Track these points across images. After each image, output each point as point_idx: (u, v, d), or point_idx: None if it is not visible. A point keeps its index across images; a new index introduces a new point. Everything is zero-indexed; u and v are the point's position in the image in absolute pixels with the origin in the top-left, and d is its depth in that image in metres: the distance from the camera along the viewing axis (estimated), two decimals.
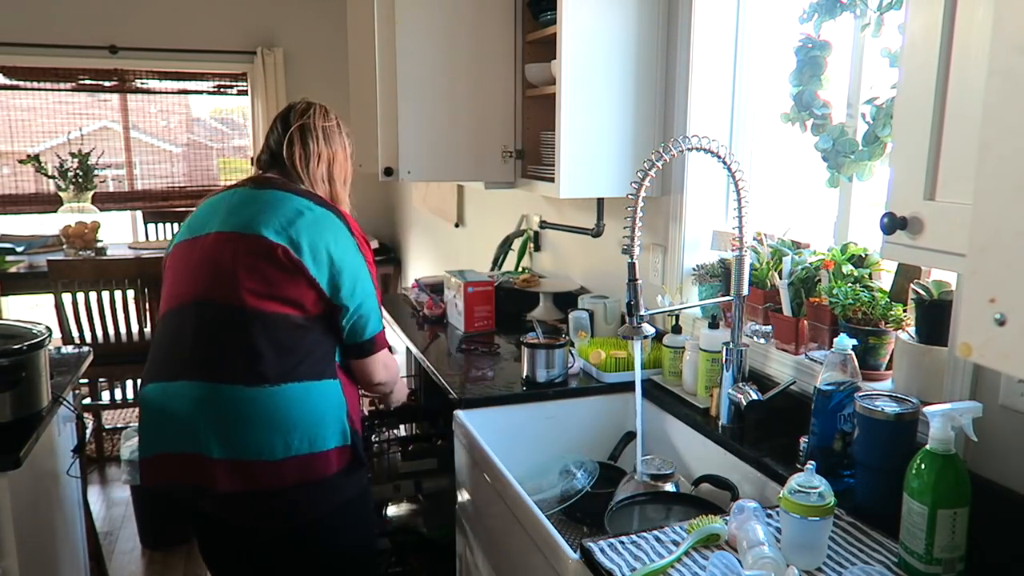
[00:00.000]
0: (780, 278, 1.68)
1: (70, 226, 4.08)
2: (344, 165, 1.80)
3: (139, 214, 5.25)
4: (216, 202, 1.68)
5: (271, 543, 1.67)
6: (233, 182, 1.77)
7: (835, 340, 1.37)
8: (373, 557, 1.83)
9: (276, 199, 1.62)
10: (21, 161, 4.67)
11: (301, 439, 1.54)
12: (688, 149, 1.50)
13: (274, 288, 1.55)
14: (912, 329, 1.40)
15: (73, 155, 4.52)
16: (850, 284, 1.54)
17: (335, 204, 1.72)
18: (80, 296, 3.30)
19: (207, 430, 1.53)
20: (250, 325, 1.53)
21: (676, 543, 1.16)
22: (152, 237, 5.02)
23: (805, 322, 1.63)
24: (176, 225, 5.03)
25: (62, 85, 4.93)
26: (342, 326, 1.63)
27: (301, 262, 1.54)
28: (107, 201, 5.10)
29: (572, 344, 2.08)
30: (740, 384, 1.62)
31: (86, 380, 3.56)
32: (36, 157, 4.54)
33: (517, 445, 1.84)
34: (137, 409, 4.18)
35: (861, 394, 1.29)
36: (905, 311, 1.45)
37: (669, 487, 1.54)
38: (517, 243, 3.05)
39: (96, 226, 4.12)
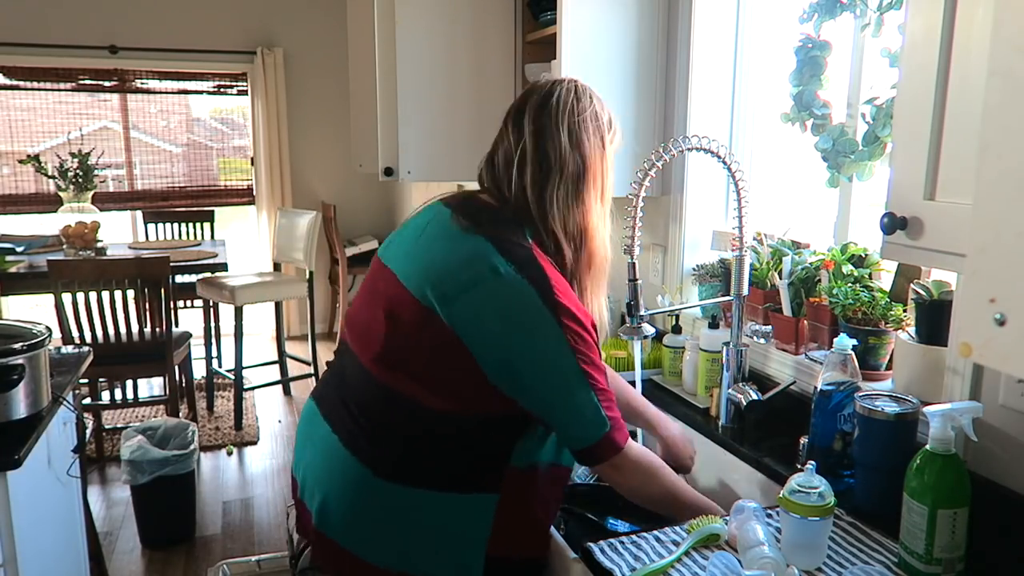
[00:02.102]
0: (780, 278, 1.68)
1: (70, 226, 4.08)
2: (599, 176, 1.25)
3: (139, 214, 5.25)
4: (418, 215, 1.31)
5: None
6: (446, 195, 1.33)
7: (835, 340, 1.37)
8: None
9: (457, 242, 1.19)
10: (21, 161, 4.67)
11: (403, 553, 1.21)
12: (688, 149, 1.50)
13: (413, 364, 1.18)
14: (912, 329, 1.40)
15: (73, 155, 4.52)
16: (850, 284, 1.54)
17: (583, 242, 1.23)
18: (80, 296, 3.30)
19: (318, 489, 1.26)
20: (378, 400, 1.21)
21: (676, 543, 1.16)
22: (152, 237, 5.02)
23: (805, 322, 1.63)
24: (176, 225, 5.03)
25: (62, 85, 4.93)
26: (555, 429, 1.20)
27: (457, 338, 1.13)
28: (107, 201, 5.10)
29: None
30: (740, 384, 1.62)
31: (86, 380, 3.56)
32: (36, 157, 4.54)
33: None
34: (138, 409, 4.19)
35: (861, 394, 1.29)
36: (905, 311, 1.45)
37: None
38: None
39: (96, 226, 4.12)
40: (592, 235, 1.25)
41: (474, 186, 1.34)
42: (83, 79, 4.96)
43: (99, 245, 4.10)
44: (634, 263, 1.50)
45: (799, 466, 1.38)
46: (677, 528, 1.21)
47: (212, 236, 5.00)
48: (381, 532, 1.20)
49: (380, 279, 1.27)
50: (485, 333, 1.13)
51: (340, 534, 1.23)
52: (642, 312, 1.53)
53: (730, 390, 1.62)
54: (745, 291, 1.64)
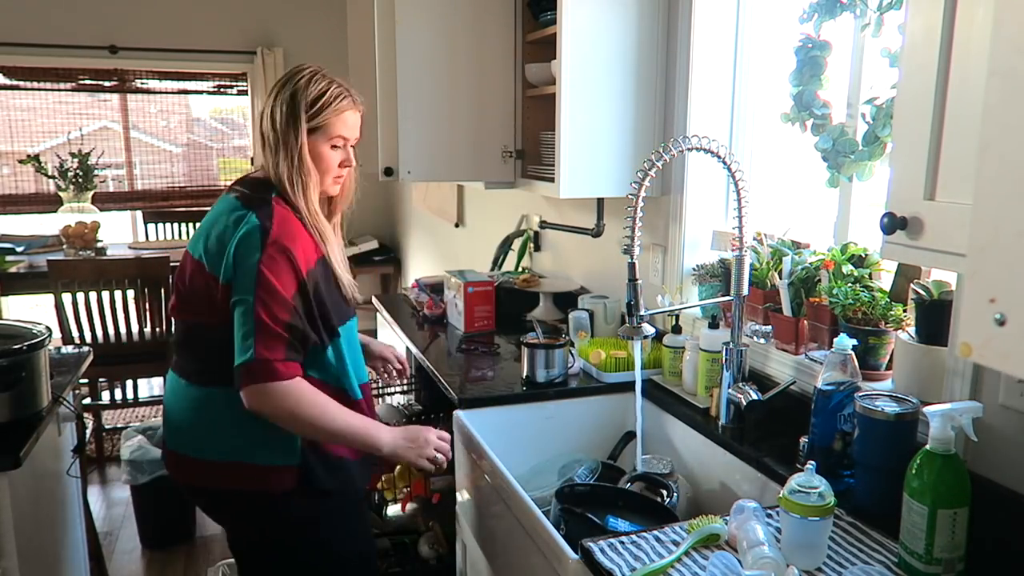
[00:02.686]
0: (780, 278, 1.68)
1: (70, 226, 4.09)
2: (296, 153, 1.51)
3: (139, 214, 5.25)
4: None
5: (235, 542, 1.70)
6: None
7: (835, 340, 1.37)
8: None
9: (218, 205, 1.56)
10: (21, 161, 4.67)
11: (233, 447, 1.52)
12: (688, 149, 1.50)
13: (195, 302, 1.54)
14: (912, 329, 1.40)
15: (73, 155, 4.52)
16: (850, 284, 1.54)
17: (296, 213, 1.51)
18: (80, 296, 3.30)
19: (166, 418, 1.63)
20: (183, 332, 1.62)
21: (676, 543, 1.16)
22: (152, 237, 5.02)
23: (805, 322, 1.63)
24: (176, 225, 5.04)
25: (62, 85, 4.93)
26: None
27: (206, 268, 1.49)
28: (107, 201, 5.10)
29: (572, 344, 2.08)
30: (740, 384, 1.62)
31: (86, 380, 3.56)
32: (36, 157, 4.55)
33: (517, 445, 1.84)
34: (138, 409, 4.19)
35: (861, 394, 1.29)
36: (905, 311, 1.45)
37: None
38: (517, 243, 3.05)
39: (96, 226, 4.12)
40: (297, 201, 1.53)
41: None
42: (83, 79, 4.96)
43: (99, 245, 4.10)
44: (634, 263, 1.50)
45: (799, 466, 1.38)
46: (677, 528, 1.21)
47: None
48: (212, 432, 1.53)
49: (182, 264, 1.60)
50: (212, 253, 1.48)
51: (182, 444, 1.57)
52: (642, 312, 1.53)
53: (730, 390, 1.62)
54: (745, 291, 1.64)
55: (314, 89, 1.52)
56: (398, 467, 2.24)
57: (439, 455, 1.62)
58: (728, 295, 1.68)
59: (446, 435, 1.67)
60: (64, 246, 4.07)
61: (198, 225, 1.65)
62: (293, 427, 1.47)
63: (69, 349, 2.25)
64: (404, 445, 1.58)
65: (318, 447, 1.54)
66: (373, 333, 2.62)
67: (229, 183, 1.72)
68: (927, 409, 1.10)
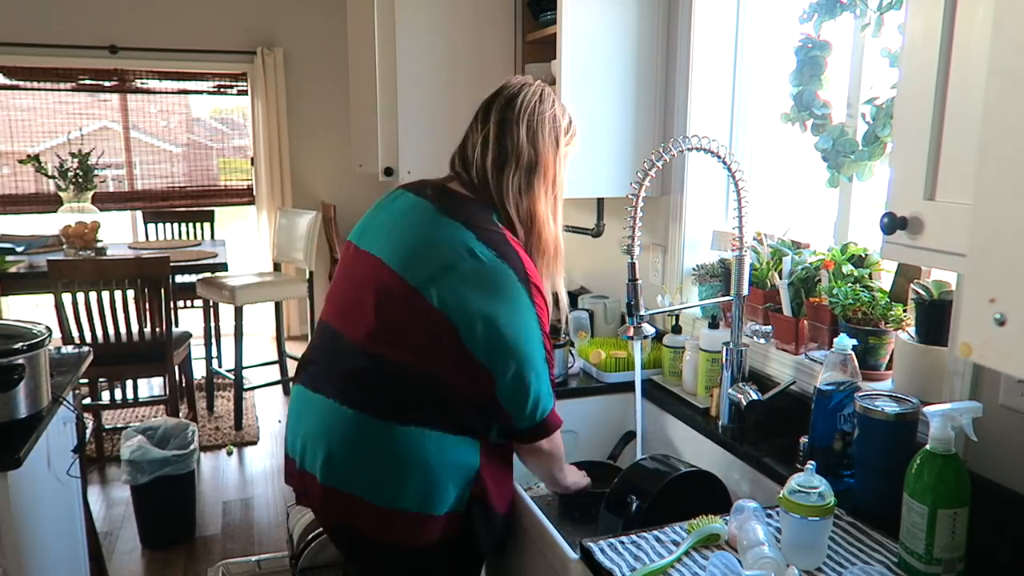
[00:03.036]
0: (780, 278, 1.68)
1: (70, 226, 4.08)
2: (552, 171, 1.37)
3: (139, 214, 5.25)
4: (393, 203, 1.42)
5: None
6: (419, 182, 1.46)
7: (835, 340, 1.37)
8: None
9: (439, 229, 1.31)
10: (21, 161, 4.67)
11: (413, 495, 1.31)
12: (688, 149, 1.50)
13: (402, 337, 1.30)
14: (912, 329, 1.40)
15: (73, 155, 4.52)
16: (850, 284, 1.54)
17: (531, 225, 1.36)
18: (80, 296, 3.30)
19: (320, 449, 1.36)
20: (379, 370, 1.32)
21: (676, 543, 1.16)
22: (152, 237, 5.02)
23: (805, 322, 1.63)
24: (176, 225, 5.03)
25: (62, 85, 4.93)
26: (503, 404, 1.32)
27: (447, 322, 1.26)
28: (107, 201, 5.10)
29: (572, 344, 2.08)
30: (740, 384, 1.62)
31: (86, 380, 3.56)
32: (36, 157, 4.55)
33: None
34: (138, 409, 4.19)
35: (861, 394, 1.29)
36: (905, 311, 1.45)
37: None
38: None
39: (96, 226, 4.12)
40: (540, 222, 1.38)
41: None
42: (83, 79, 4.97)
43: (99, 245, 4.10)
44: (634, 263, 1.50)
45: (799, 466, 1.38)
46: (677, 528, 1.21)
47: (212, 236, 4.99)
48: (380, 472, 1.30)
49: (360, 264, 1.39)
50: (466, 307, 1.25)
51: (344, 481, 1.33)
52: (642, 312, 1.53)
53: (730, 390, 1.62)
54: (745, 291, 1.64)
55: (565, 111, 1.43)
56: None
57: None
58: (728, 295, 1.68)
59: None
60: (64, 246, 4.07)
61: (382, 227, 1.39)
62: (552, 462, 1.45)
63: (69, 349, 2.25)
64: (576, 473, 1.55)
65: (487, 493, 1.36)
66: None
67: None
68: (927, 409, 1.10)
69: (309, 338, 4.45)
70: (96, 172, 4.56)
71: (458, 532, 1.35)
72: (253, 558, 2.67)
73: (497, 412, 1.33)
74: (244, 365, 4.03)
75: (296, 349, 5.04)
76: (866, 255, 1.60)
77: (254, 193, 5.54)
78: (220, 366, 4.51)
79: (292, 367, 4.55)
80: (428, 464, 1.30)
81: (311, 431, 1.38)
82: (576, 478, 1.54)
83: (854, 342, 1.36)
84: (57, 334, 2.83)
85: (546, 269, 1.40)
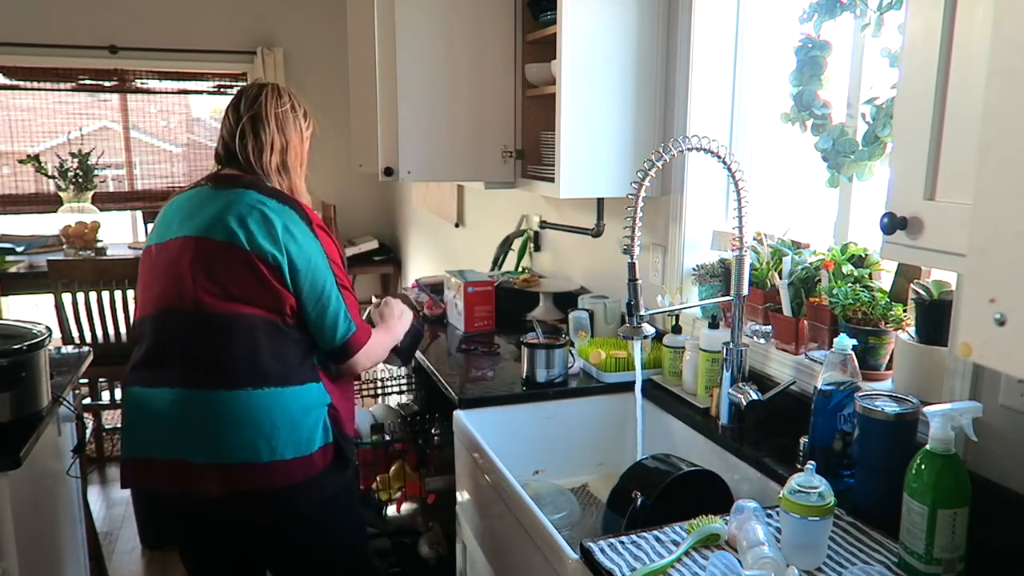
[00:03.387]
0: (780, 278, 1.68)
1: (70, 226, 4.08)
2: (299, 151, 1.76)
3: (139, 214, 5.25)
4: (180, 203, 1.67)
5: (259, 541, 1.71)
6: (193, 181, 1.76)
7: (835, 340, 1.37)
8: (362, 550, 1.84)
9: (232, 197, 1.59)
10: (21, 161, 4.67)
11: (285, 444, 1.54)
12: (688, 149, 1.50)
13: (234, 289, 1.54)
14: (912, 329, 1.40)
15: (73, 155, 4.52)
16: (850, 284, 1.54)
17: (293, 195, 1.67)
18: (80, 296, 3.30)
19: (190, 435, 1.55)
20: (216, 329, 1.53)
21: (676, 543, 1.16)
22: None
23: (805, 322, 1.63)
24: None
25: (62, 85, 4.93)
26: (311, 327, 1.61)
27: (256, 259, 1.53)
28: (107, 201, 5.10)
29: (572, 344, 2.08)
30: (740, 384, 1.62)
31: (86, 380, 3.56)
32: (36, 157, 4.54)
33: (517, 445, 1.84)
34: None
35: (861, 394, 1.29)
36: (905, 311, 1.45)
37: None
38: (517, 243, 3.05)
39: (96, 226, 4.12)
40: (299, 191, 1.72)
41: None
42: (83, 79, 4.96)
43: (99, 245, 4.11)
44: (634, 263, 1.50)
45: (799, 466, 1.38)
46: (677, 528, 1.21)
47: None
48: (263, 433, 1.53)
49: (165, 253, 1.61)
50: (267, 245, 1.53)
51: (218, 453, 1.53)
52: (642, 312, 1.53)
53: (730, 390, 1.62)
54: (745, 291, 1.64)
55: (300, 104, 1.80)
56: (393, 468, 2.24)
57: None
58: (728, 295, 1.68)
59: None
60: (64, 246, 4.07)
61: (179, 213, 1.66)
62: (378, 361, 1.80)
63: (69, 349, 2.25)
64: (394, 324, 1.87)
65: (341, 421, 1.64)
66: None
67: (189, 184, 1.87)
68: (927, 409, 1.10)
69: None
70: (96, 172, 4.56)
71: (332, 456, 1.61)
72: None
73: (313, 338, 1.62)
74: None
75: None
76: (866, 255, 1.60)
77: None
78: None
79: None
80: (292, 416, 1.55)
81: (162, 427, 1.57)
82: (396, 328, 1.86)
83: (854, 342, 1.36)
84: (57, 334, 2.83)
85: None
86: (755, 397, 1.59)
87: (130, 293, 3.37)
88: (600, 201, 2.34)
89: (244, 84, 1.67)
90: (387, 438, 2.28)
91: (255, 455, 1.53)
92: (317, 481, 1.60)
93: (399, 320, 1.88)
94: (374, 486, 2.26)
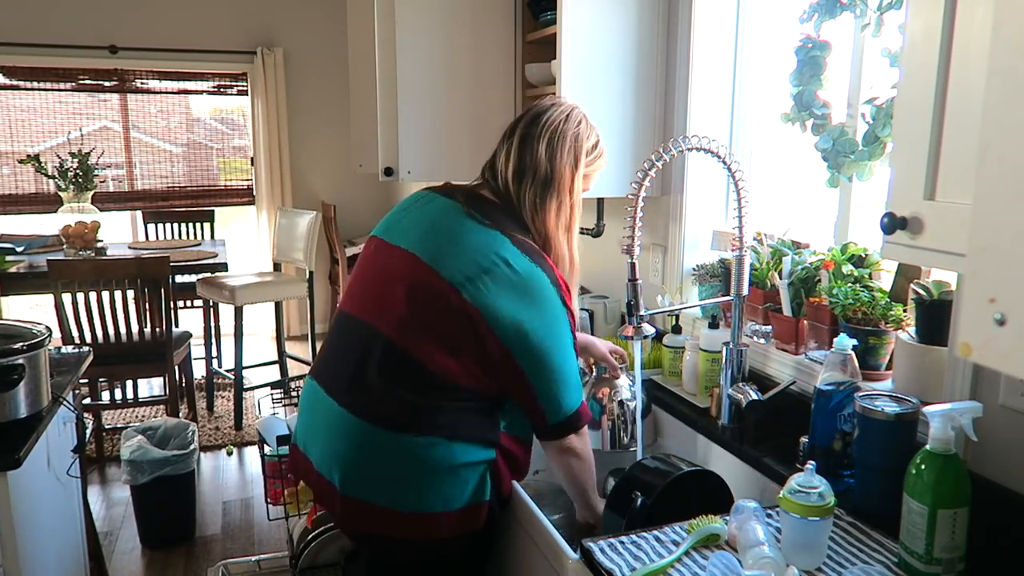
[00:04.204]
0: (780, 278, 1.68)
1: (70, 226, 4.08)
2: (566, 190, 1.42)
3: (139, 214, 5.25)
4: (425, 205, 1.46)
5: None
6: (447, 185, 1.52)
7: (835, 340, 1.36)
8: None
9: (474, 233, 1.35)
10: (21, 161, 4.67)
11: (435, 498, 1.36)
12: (688, 149, 1.50)
13: (439, 337, 1.34)
14: (912, 329, 1.40)
15: (73, 155, 4.52)
16: (850, 284, 1.54)
17: (543, 250, 1.39)
18: (80, 296, 3.30)
19: (336, 459, 1.40)
20: (403, 368, 1.35)
21: (676, 543, 1.16)
22: (152, 237, 5.01)
23: (805, 322, 1.63)
24: (176, 225, 5.03)
25: (62, 85, 4.93)
26: (537, 405, 1.39)
27: (482, 320, 1.30)
28: (107, 201, 5.10)
29: None
30: (740, 384, 1.62)
31: (86, 380, 3.56)
32: (36, 157, 4.54)
33: None
34: (138, 409, 4.19)
35: (861, 394, 1.29)
36: (905, 311, 1.45)
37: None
38: None
39: (96, 226, 4.12)
40: (550, 234, 1.42)
41: None
42: (83, 79, 4.96)
43: (99, 245, 4.10)
44: (634, 263, 1.50)
45: (799, 466, 1.38)
46: (677, 528, 1.21)
47: (212, 236, 4.99)
48: (399, 481, 1.36)
49: (388, 258, 1.42)
50: (501, 309, 1.31)
51: (364, 491, 1.38)
52: (642, 312, 1.53)
53: (730, 390, 1.62)
54: (745, 291, 1.64)
55: (592, 133, 1.49)
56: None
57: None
58: (728, 295, 1.68)
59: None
60: (64, 246, 4.07)
61: (409, 223, 1.43)
62: (583, 467, 1.48)
63: (69, 349, 2.25)
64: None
65: (502, 486, 1.43)
66: None
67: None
68: (927, 409, 1.10)
69: (309, 338, 4.45)
70: (96, 172, 4.55)
71: (480, 517, 1.41)
72: (253, 558, 2.67)
73: (528, 410, 1.41)
74: (244, 365, 4.03)
75: (296, 349, 5.04)
76: (866, 255, 1.60)
77: (254, 193, 5.54)
78: (220, 366, 4.51)
79: (292, 367, 4.55)
80: (446, 468, 1.35)
81: (321, 434, 1.44)
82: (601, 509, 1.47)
83: (854, 342, 1.36)
84: (57, 334, 2.83)
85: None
86: (755, 397, 1.59)
87: (130, 293, 3.37)
88: (600, 201, 2.34)
89: (541, 101, 1.53)
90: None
91: (397, 503, 1.38)
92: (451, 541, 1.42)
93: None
94: (283, 500, 2.13)
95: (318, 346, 4.63)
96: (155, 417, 3.97)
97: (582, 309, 2.24)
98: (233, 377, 4.03)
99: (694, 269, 2.01)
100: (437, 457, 1.34)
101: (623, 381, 1.74)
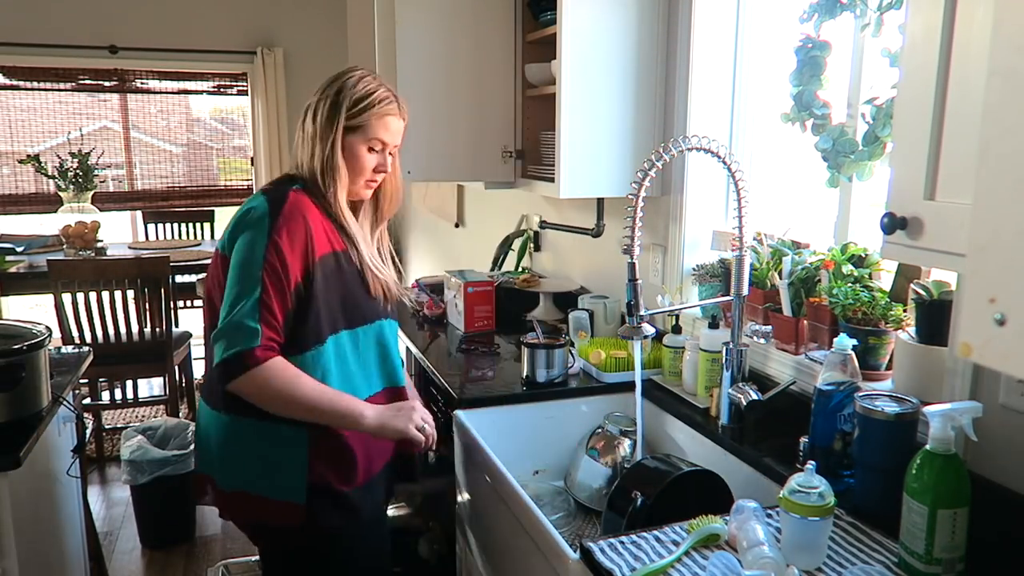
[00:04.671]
0: (780, 278, 1.68)
1: (70, 226, 4.08)
2: (328, 143, 1.49)
3: (139, 214, 5.25)
4: None
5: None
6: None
7: (835, 340, 1.36)
8: None
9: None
10: (21, 161, 4.67)
11: (247, 478, 1.48)
12: (688, 149, 1.50)
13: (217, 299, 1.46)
14: (912, 329, 1.40)
15: (73, 155, 4.52)
16: (850, 284, 1.54)
17: (315, 181, 1.49)
18: (80, 296, 3.30)
19: (207, 454, 1.58)
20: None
21: (676, 543, 1.16)
22: (152, 237, 5.02)
23: (805, 322, 1.63)
24: (176, 225, 5.03)
25: (62, 85, 4.93)
26: None
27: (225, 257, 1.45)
28: (107, 201, 5.10)
29: (572, 344, 2.08)
30: (740, 384, 1.62)
31: (86, 380, 3.56)
32: (36, 157, 4.55)
33: (517, 445, 1.84)
34: (138, 409, 4.19)
35: (861, 394, 1.29)
36: (905, 311, 1.45)
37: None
38: (517, 243, 3.05)
39: (96, 226, 4.12)
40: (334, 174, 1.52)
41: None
42: (83, 79, 4.96)
43: (99, 245, 4.10)
44: (634, 263, 1.50)
45: (799, 466, 1.38)
46: (677, 528, 1.21)
47: (212, 236, 4.99)
48: (229, 460, 1.49)
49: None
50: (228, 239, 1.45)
51: (212, 469, 1.53)
52: (642, 312, 1.53)
53: (730, 390, 1.62)
54: (745, 291, 1.64)
55: (361, 89, 1.51)
56: None
57: (427, 426, 1.54)
58: (728, 295, 1.68)
59: (427, 414, 1.57)
60: (64, 246, 4.07)
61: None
62: (268, 405, 1.39)
63: (69, 349, 2.25)
64: (390, 415, 1.49)
65: (328, 485, 1.47)
66: None
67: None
68: (927, 409, 1.10)
69: None
70: (96, 172, 4.56)
71: (303, 519, 1.47)
72: (253, 558, 2.67)
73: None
74: None
75: None
76: (866, 255, 1.60)
77: (254, 193, 5.53)
78: None
79: None
80: (262, 452, 1.46)
81: (199, 436, 1.60)
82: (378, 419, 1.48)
83: (854, 342, 1.36)
84: (57, 334, 2.83)
85: (365, 217, 1.62)
86: (755, 397, 1.59)
87: (130, 293, 3.37)
88: (600, 201, 2.34)
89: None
90: None
91: (221, 479, 1.55)
92: (283, 532, 1.56)
93: (379, 409, 1.50)
94: None
95: None
96: (155, 417, 3.97)
97: (583, 309, 2.24)
98: None
99: (694, 269, 2.01)
100: (253, 439, 1.46)
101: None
